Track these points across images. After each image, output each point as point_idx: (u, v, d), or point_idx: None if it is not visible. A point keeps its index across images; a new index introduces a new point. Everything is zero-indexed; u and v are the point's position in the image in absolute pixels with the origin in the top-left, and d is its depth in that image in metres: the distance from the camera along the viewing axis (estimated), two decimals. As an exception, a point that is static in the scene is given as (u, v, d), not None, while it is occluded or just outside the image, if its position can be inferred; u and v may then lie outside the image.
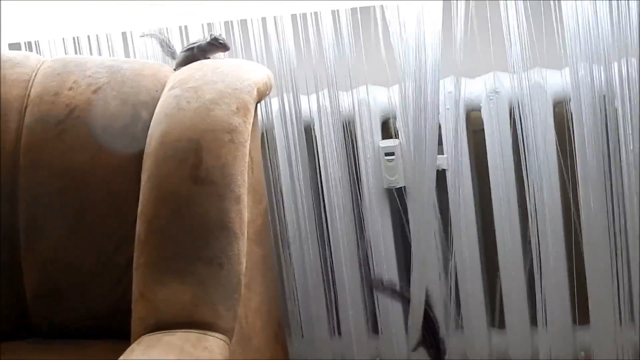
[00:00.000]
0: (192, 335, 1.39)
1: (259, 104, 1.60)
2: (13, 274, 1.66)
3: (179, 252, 1.46)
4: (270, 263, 1.70)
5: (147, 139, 1.54)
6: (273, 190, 1.84)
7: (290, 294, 1.88)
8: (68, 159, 1.62)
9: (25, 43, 1.87)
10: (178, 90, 1.56)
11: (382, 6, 1.72)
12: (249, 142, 1.51)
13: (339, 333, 1.92)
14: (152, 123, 1.55)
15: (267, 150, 1.83)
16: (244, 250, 1.48)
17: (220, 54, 1.69)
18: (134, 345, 1.39)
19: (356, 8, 1.75)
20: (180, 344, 1.37)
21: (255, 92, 1.56)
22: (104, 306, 1.63)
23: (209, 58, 1.67)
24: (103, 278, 1.63)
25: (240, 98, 1.53)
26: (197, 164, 1.48)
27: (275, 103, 1.83)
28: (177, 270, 1.45)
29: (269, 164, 1.83)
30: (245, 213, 1.50)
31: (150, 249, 1.47)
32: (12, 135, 1.65)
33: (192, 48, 1.69)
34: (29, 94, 1.67)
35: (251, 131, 1.53)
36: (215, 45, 1.68)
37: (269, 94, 1.64)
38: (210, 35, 1.69)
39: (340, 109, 1.80)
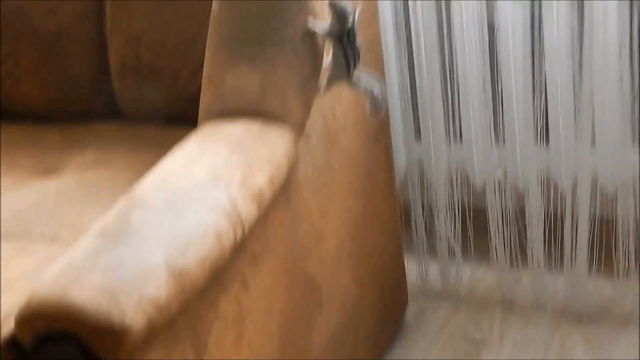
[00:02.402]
0: (254, 127, 1.24)
1: None
2: (98, 49, 1.57)
3: (253, 31, 1.28)
4: (373, 49, 1.49)
5: None
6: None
7: (403, 90, 1.67)
8: None
9: None
10: None
11: None
12: None
13: (460, 139, 1.70)
14: None
15: None
16: (326, 34, 1.29)
17: None
18: (192, 135, 1.25)
19: None
20: (238, 137, 1.22)
21: None
22: (187, 90, 1.50)
23: None
24: (186, 60, 1.50)
25: None
26: None
27: None
28: (248, 52, 1.28)
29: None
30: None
31: (222, 25, 1.30)
32: None
33: None
34: None
35: None
36: None
37: None
38: None
39: None
